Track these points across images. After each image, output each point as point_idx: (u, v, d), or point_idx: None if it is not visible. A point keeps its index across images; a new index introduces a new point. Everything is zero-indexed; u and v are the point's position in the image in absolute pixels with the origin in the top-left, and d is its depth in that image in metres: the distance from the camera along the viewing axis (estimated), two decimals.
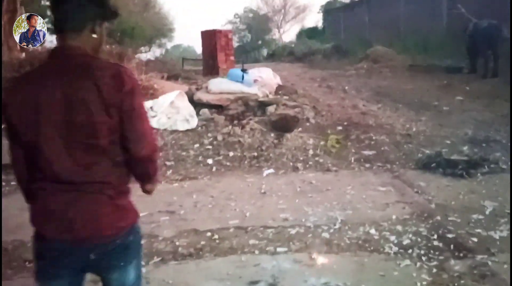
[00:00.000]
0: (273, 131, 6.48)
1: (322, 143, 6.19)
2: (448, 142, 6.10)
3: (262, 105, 7.18)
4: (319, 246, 3.39)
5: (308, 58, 17.35)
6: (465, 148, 5.79)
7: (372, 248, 3.31)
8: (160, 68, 11.63)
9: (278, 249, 3.36)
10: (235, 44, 23.02)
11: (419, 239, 3.42)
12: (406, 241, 3.39)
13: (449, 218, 3.81)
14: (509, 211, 3.83)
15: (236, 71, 7.88)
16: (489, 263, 3.03)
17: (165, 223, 3.98)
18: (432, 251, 3.22)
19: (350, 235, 3.56)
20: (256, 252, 3.35)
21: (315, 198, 4.46)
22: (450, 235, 3.48)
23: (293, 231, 3.67)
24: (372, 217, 3.90)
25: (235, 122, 6.74)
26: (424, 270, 2.97)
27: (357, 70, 12.90)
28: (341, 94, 9.20)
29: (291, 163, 5.67)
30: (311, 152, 5.95)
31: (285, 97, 7.82)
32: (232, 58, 10.77)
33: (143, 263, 3.26)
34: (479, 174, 4.92)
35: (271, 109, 7.04)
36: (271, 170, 5.51)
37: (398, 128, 6.74)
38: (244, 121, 6.72)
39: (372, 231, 3.61)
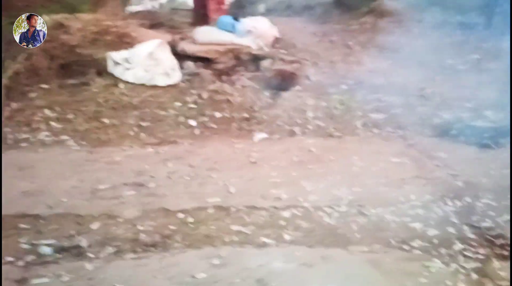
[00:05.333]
0: (268, 89, 5.69)
1: (323, 104, 5.39)
2: (469, 105, 5.29)
3: (256, 59, 6.31)
4: (320, 237, 2.64)
5: (308, 12, 16.19)
6: (489, 112, 5.01)
7: (389, 242, 2.57)
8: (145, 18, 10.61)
9: (268, 240, 2.61)
10: None
11: (448, 229, 2.68)
12: (432, 232, 2.65)
13: (482, 201, 3.08)
14: None
15: (227, 18, 6.91)
16: None
17: (129, 199, 3.22)
18: (468, 247, 2.49)
19: (360, 221, 2.82)
20: (239, 243, 2.60)
21: (315, 171, 3.69)
22: (486, 224, 2.76)
23: (287, 214, 2.92)
24: (387, 197, 3.15)
25: (224, 78, 5.91)
26: (461, 276, 2.24)
27: (362, 25, 11.89)
28: (345, 49, 8.28)
29: (287, 127, 4.88)
30: (310, 114, 5.15)
31: (282, 51, 6.95)
32: (224, 7, 9.71)
33: (92, 255, 2.54)
34: (510, 145, 4.15)
35: (266, 64, 6.19)
36: (264, 135, 4.72)
37: (411, 89, 5.90)
38: (235, 77, 5.91)
39: (388, 216, 2.87)
